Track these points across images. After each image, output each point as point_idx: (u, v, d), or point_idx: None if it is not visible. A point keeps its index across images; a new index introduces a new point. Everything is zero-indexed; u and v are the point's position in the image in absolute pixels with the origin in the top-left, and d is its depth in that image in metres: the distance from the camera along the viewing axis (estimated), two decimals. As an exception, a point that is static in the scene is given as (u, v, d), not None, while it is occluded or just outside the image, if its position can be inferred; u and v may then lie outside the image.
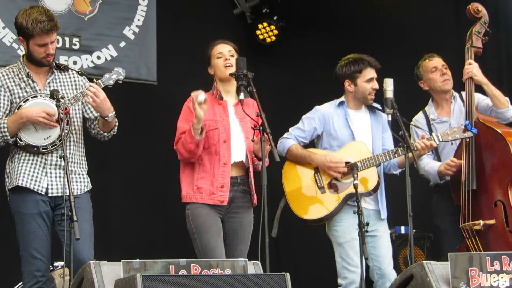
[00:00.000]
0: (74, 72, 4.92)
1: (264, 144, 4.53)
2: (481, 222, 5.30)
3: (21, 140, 4.65)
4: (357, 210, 4.78)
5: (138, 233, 6.94)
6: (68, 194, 4.30)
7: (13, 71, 4.77)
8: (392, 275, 5.14)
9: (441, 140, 5.22)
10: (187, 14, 7.48)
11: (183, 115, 4.95)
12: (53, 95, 4.57)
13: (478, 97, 5.62)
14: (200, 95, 4.73)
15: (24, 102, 4.66)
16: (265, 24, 7.89)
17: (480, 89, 5.62)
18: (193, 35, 7.18)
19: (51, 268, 5.27)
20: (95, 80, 4.81)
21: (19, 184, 4.63)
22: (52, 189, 4.65)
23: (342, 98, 5.37)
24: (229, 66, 4.96)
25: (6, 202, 4.78)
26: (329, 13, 7.88)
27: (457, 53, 5.97)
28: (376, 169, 5.21)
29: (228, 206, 4.90)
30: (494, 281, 3.90)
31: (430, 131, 5.56)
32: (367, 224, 4.79)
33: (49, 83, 4.78)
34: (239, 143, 4.94)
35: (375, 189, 5.20)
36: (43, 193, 4.64)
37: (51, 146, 4.66)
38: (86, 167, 4.87)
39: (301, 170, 5.28)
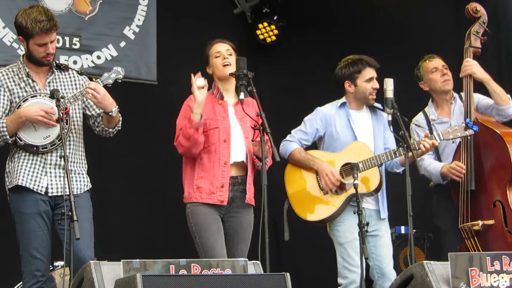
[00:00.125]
0: (74, 71, 4.92)
1: (264, 144, 4.53)
2: (480, 222, 5.30)
3: (20, 140, 4.64)
4: (357, 210, 4.78)
5: (138, 232, 6.94)
6: (68, 193, 4.30)
7: (13, 71, 4.76)
8: (392, 275, 5.15)
9: (442, 138, 5.21)
10: (187, 14, 7.48)
11: (182, 113, 4.94)
12: (53, 94, 4.57)
13: (477, 97, 5.62)
14: (199, 79, 4.74)
15: (23, 101, 4.66)
16: (265, 24, 7.89)
17: (478, 89, 5.62)
18: (193, 35, 7.16)
19: (51, 267, 5.27)
20: (94, 79, 4.81)
21: (19, 184, 4.63)
22: (52, 188, 4.65)
23: (344, 99, 5.37)
24: (227, 65, 4.96)
25: (6, 202, 4.78)
26: (329, 13, 7.87)
27: (457, 53, 5.96)
28: (378, 169, 5.21)
29: (228, 206, 4.89)
30: (494, 281, 3.90)
31: (431, 131, 5.55)
32: (367, 224, 4.78)
33: (49, 82, 4.77)
34: (239, 143, 4.93)
35: (377, 189, 5.20)
36: (42, 193, 4.64)
37: (51, 146, 4.66)
38: (86, 166, 4.87)
39: (303, 172, 5.28)
